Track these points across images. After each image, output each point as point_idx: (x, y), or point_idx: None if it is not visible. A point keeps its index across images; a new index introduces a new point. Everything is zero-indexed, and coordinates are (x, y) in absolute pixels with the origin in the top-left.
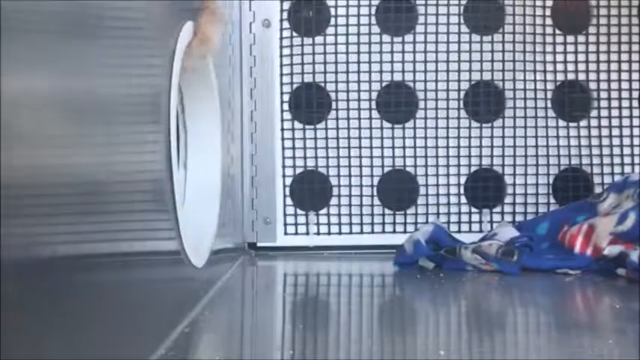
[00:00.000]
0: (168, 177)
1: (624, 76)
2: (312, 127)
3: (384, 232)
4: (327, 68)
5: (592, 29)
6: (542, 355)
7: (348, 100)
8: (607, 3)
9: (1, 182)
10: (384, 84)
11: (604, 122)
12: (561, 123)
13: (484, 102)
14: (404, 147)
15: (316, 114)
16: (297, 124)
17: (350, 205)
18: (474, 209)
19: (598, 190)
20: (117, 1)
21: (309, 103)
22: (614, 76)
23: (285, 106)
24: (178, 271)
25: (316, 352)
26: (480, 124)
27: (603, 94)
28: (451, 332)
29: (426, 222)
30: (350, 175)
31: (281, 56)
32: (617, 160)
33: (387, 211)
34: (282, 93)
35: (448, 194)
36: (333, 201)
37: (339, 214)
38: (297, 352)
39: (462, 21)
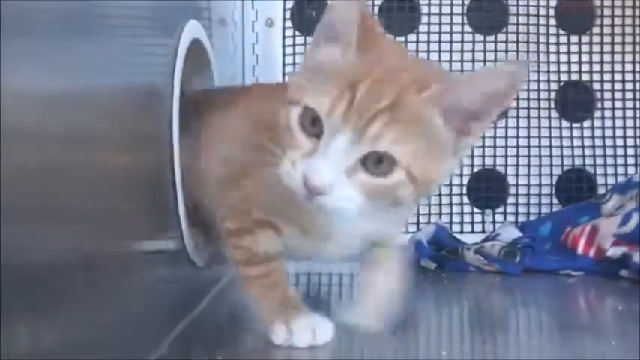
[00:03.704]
0: (171, 176)
1: (628, 76)
2: None
3: None
4: None
5: (596, 29)
6: (544, 355)
7: None
8: (611, 3)
9: (2, 182)
10: None
11: (607, 123)
12: (564, 123)
13: None
14: None
15: None
16: None
17: None
18: (476, 210)
19: (601, 190)
20: (120, 0)
21: None
22: (617, 76)
23: None
24: (180, 270)
25: (317, 352)
26: None
27: (607, 95)
28: (453, 333)
29: (429, 222)
30: None
31: (284, 56)
32: (620, 160)
33: None
34: None
35: (450, 194)
36: None
37: None
38: (298, 352)
39: (465, 21)
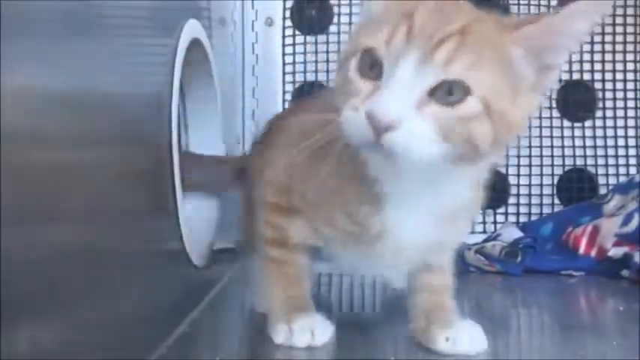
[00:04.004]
0: (170, 176)
1: (629, 76)
2: None
3: None
4: (330, 67)
5: (597, 29)
6: (545, 356)
7: None
8: (612, 3)
9: (2, 182)
10: None
11: (609, 122)
12: (566, 123)
13: None
14: None
15: None
16: None
17: None
18: None
19: (603, 190)
20: (120, 0)
21: None
22: (619, 76)
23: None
24: (179, 270)
25: (317, 352)
26: None
27: (608, 94)
28: None
29: None
30: None
31: (284, 55)
32: (622, 160)
33: None
34: (284, 92)
35: None
36: None
37: None
38: (298, 352)
39: None
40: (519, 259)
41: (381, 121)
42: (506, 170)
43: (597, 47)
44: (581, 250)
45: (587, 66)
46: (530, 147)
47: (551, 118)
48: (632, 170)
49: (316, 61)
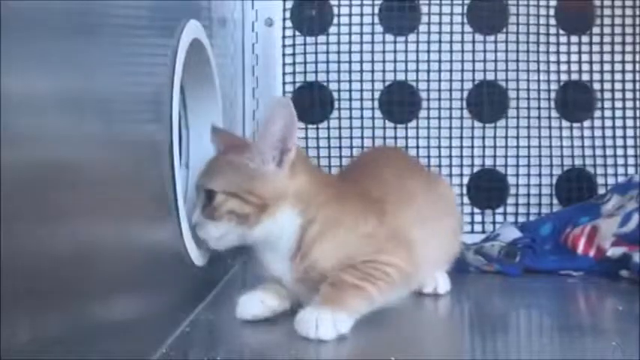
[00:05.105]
0: (170, 176)
1: (628, 76)
2: (314, 126)
3: None
4: (330, 67)
5: (596, 29)
6: (544, 356)
7: (350, 100)
8: (611, 3)
9: (1, 182)
10: (386, 83)
11: (608, 123)
12: (565, 123)
13: (487, 102)
14: (406, 147)
15: (319, 113)
16: (300, 124)
17: None
18: (476, 210)
19: (601, 190)
20: (120, 0)
21: (312, 103)
22: (617, 76)
23: None
24: (180, 270)
25: (318, 352)
26: (483, 124)
27: (607, 95)
28: (453, 334)
29: None
30: None
31: (284, 55)
32: (620, 160)
33: None
34: (284, 92)
35: None
36: None
37: None
38: (299, 353)
39: (465, 20)
40: (518, 259)
41: None
42: (505, 170)
43: (596, 47)
44: (580, 250)
45: (585, 66)
46: (528, 147)
47: (549, 118)
48: (631, 170)
49: (316, 62)
